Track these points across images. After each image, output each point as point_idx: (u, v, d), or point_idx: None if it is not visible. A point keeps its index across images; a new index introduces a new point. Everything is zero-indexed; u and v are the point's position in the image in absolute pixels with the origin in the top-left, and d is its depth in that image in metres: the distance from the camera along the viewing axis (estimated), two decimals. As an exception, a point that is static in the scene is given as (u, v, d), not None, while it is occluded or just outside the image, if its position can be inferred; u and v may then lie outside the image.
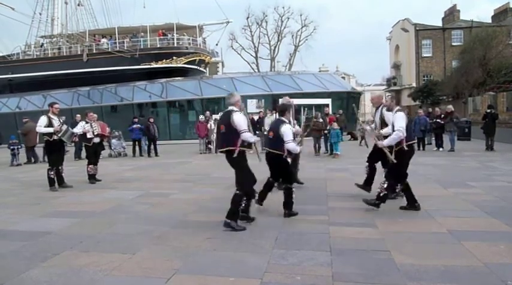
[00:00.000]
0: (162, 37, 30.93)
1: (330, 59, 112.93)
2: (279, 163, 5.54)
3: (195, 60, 30.83)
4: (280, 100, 7.29)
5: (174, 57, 29.83)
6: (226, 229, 4.79)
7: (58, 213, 6.05)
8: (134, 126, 15.56)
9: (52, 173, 8.08)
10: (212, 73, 41.44)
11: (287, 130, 5.38)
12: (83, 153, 11.20)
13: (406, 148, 5.41)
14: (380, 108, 6.28)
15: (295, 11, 62.78)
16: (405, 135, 5.32)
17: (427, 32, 38.10)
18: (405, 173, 5.58)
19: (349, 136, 21.90)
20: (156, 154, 15.30)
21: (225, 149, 4.88)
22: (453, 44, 36.77)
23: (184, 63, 30.04)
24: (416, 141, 5.57)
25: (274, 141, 5.44)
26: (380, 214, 5.41)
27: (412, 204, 5.61)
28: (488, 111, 14.30)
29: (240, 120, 4.80)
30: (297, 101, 5.65)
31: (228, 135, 4.83)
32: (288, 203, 5.44)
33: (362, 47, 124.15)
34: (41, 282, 3.42)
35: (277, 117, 5.78)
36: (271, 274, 3.47)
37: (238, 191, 4.88)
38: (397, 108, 5.60)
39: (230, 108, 4.99)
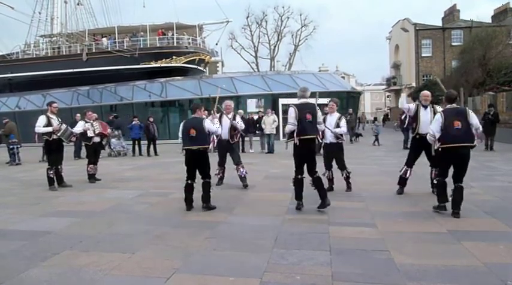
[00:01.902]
0: (161, 36, 30.92)
1: (329, 59, 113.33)
2: (203, 157, 5.92)
3: (195, 59, 30.81)
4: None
5: (174, 57, 29.81)
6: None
7: (58, 213, 6.05)
8: (134, 122, 15.66)
9: (51, 172, 8.07)
10: (212, 73, 41.45)
11: (209, 124, 5.99)
12: (83, 152, 11.22)
13: (440, 150, 5.25)
14: (430, 106, 6.41)
15: (295, 11, 63.22)
16: (436, 137, 5.19)
17: (427, 31, 38.11)
18: (442, 171, 5.34)
19: (356, 137, 20.64)
20: (156, 154, 15.30)
21: (314, 136, 5.59)
22: (453, 43, 36.78)
23: (184, 63, 30.02)
24: (455, 145, 5.09)
25: (197, 137, 5.78)
26: (380, 214, 5.41)
27: (439, 205, 5.33)
28: (487, 110, 14.33)
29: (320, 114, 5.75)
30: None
31: (315, 124, 5.55)
32: (206, 197, 5.88)
33: (362, 46, 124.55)
34: (41, 282, 3.42)
35: (192, 115, 6.14)
36: (270, 274, 3.47)
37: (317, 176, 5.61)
38: (446, 107, 5.36)
39: (305, 99, 5.62)
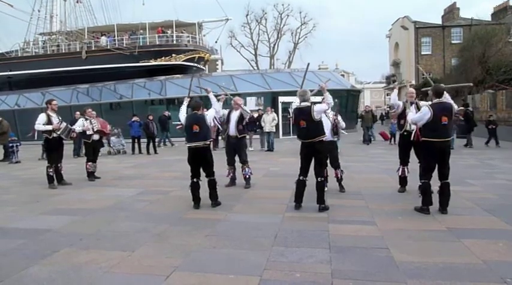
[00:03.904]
0: (161, 34, 30.86)
1: (329, 57, 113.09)
2: (207, 154, 5.94)
3: (195, 57, 30.76)
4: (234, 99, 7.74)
5: (173, 55, 29.74)
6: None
7: (57, 210, 6.05)
8: (133, 118, 15.81)
9: (51, 170, 8.06)
10: (211, 71, 41.39)
11: (209, 116, 6.06)
12: (82, 151, 11.21)
13: (420, 141, 5.43)
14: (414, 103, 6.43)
15: (294, 9, 62.94)
16: (417, 126, 5.39)
17: (427, 29, 38.02)
18: (425, 171, 5.30)
19: (369, 141, 17.27)
20: (155, 152, 15.30)
21: (311, 140, 5.51)
22: (453, 41, 36.72)
23: (184, 61, 29.98)
24: (439, 140, 5.18)
25: (200, 134, 5.80)
26: (379, 212, 5.41)
27: (422, 207, 5.31)
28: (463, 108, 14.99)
29: (320, 106, 5.62)
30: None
31: (311, 129, 5.49)
32: (214, 195, 5.98)
33: (361, 44, 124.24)
34: (41, 280, 3.42)
35: (192, 112, 6.09)
36: (270, 271, 3.47)
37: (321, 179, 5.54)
38: (433, 101, 5.38)
39: (305, 103, 5.58)
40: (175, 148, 17.89)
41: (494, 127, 15.08)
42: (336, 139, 6.83)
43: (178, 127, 6.40)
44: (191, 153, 5.92)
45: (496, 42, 27.29)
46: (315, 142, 5.52)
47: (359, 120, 23.10)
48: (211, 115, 6.14)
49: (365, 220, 5.05)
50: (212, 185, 5.99)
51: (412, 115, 5.65)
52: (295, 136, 5.92)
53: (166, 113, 18.64)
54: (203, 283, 3.30)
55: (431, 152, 5.26)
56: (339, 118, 6.85)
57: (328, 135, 6.42)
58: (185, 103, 6.52)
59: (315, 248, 4.04)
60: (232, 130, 7.47)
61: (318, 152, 5.57)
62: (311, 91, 6.14)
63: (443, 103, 5.32)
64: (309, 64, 6.85)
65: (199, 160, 5.94)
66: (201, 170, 6.00)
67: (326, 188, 5.98)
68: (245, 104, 7.80)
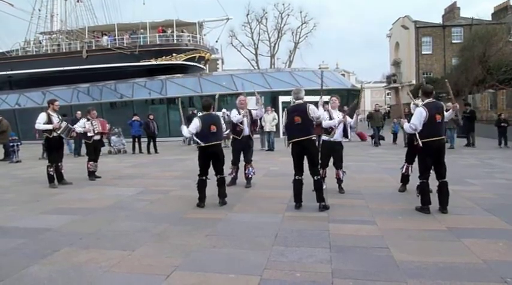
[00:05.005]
0: (161, 34, 30.88)
1: (329, 56, 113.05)
2: (221, 152, 6.05)
3: (195, 57, 30.77)
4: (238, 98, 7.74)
5: (174, 54, 29.77)
6: None
7: (58, 210, 6.05)
8: (134, 118, 15.87)
9: (51, 170, 8.07)
10: (212, 70, 41.42)
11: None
12: (83, 150, 11.22)
13: (420, 145, 5.30)
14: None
15: (295, 8, 62.78)
16: (417, 131, 5.29)
17: (427, 29, 38.03)
18: (422, 171, 5.32)
19: (378, 140, 16.36)
20: (156, 151, 15.31)
21: (305, 138, 5.52)
22: (453, 41, 36.74)
23: (184, 60, 29.99)
24: (436, 138, 5.23)
25: (217, 133, 5.93)
26: (379, 212, 5.41)
27: (422, 207, 5.33)
28: (464, 109, 14.94)
29: (317, 110, 5.70)
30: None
31: (306, 125, 5.51)
32: (223, 193, 6.05)
33: (362, 44, 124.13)
34: (41, 279, 3.42)
35: (205, 112, 6.11)
36: (270, 271, 3.47)
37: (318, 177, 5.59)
38: (425, 102, 5.38)
39: (300, 101, 5.64)
40: (176, 148, 17.91)
41: (505, 125, 14.92)
42: (345, 140, 6.85)
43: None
44: (207, 152, 5.94)
45: (496, 42, 27.25)
46: (305, 140, 5.52)
47: (367, 119, 22.96)
48: (234, 116, 6.78)
49: (365, 220, 5.05)
50: (222, 182, 6.06)
51: (407, 124, 5.57)
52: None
53: (194, 111, 18.25)
54: (203, 283, 3.30)
55: (429, 152, 5.28)
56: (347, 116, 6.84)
57: (338, 137, 6.65)
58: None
59: (315, 247, 4.04)
60: (246, 130, 7.50)
61: (308, 150, 5.58)
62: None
63: (435, 102, 5.38)
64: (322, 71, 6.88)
65: (213, 158, 6.00)
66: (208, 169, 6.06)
67: (325, 186, 5.97)
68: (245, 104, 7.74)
